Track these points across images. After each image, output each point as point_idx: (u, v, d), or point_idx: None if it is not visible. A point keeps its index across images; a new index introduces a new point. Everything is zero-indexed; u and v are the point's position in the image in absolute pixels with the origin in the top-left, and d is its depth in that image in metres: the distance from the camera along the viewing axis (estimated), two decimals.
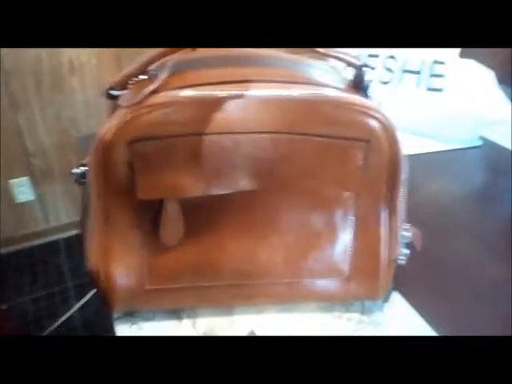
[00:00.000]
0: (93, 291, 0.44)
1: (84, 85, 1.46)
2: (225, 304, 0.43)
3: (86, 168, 0.38)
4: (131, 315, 0.43)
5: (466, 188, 0.66)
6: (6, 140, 1.45)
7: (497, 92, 0.73)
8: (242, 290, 0.41)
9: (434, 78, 0.72)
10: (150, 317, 0.43)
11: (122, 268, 0.39)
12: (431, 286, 0.48)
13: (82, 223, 0.40)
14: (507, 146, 0.76)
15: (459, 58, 0.73)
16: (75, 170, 0.39)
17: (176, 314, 0.43)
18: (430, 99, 0.73)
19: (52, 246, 1.67)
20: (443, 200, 0.63)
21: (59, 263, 1.60)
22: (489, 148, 0.76)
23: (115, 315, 0.43)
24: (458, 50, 0.73)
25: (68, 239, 1.70)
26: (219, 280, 0.40)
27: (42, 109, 1.46)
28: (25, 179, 1.55)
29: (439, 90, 0.72)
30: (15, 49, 1.31)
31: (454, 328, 0.42)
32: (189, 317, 0.43)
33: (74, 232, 1.70)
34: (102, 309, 0.41)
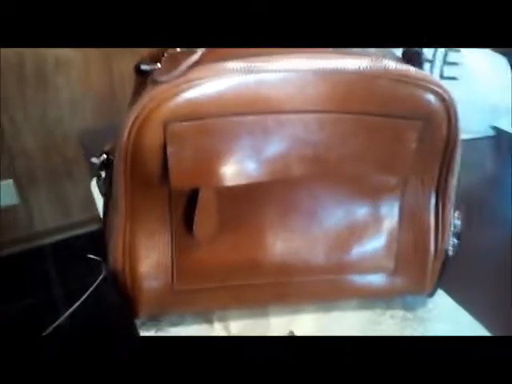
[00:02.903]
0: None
1: (70, 83, 1.39)
2: (261, 304, 0.39)
3: (107, 156, 0.35)
4: (157, 319, 0.39)
5: (481, 178, 0.64)
6: None
7: (510, 80, 0.72)
8: (280, 289, 0.37)
9: (448, 66, 0.70)
10: (177, 321, 0.39)
11: (148, 266, 0.35)
12: (469, 277, 0.45)
13: (104, 218, 0.36)
14: None
15: None
16: (95, 160, 0.35)
17: (206, 316, 0.39)
18: None
19: (38, 252, 1.59)
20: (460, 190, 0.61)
21: (46, 269, 1.53)
22: (501, 137, 0.75)
23: (139, 320, 0.39)
24: None
25: (55, 244, 1.63)
26: (257, 278, 0.37)
27: (26, 108, 1.39)
28: (7, 183, 1.47)
29: (454, 79, 0.70)
30: None
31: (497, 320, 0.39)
32: (220, 320, 0.39)
33: (60, 237, 1.63)
34: (125, 313, 0.37)
